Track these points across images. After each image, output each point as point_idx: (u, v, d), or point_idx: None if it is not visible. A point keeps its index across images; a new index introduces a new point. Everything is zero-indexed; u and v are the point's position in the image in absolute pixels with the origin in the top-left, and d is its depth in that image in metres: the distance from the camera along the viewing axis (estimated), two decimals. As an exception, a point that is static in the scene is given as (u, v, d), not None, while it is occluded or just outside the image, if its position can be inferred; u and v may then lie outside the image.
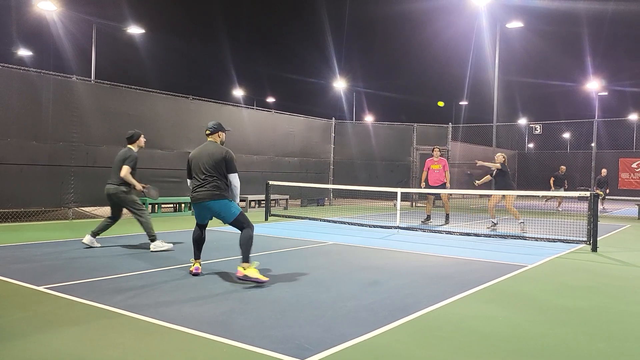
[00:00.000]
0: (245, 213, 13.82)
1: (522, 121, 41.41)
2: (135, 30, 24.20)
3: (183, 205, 13.33)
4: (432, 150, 12.50)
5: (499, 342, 3.84)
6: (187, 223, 10.94)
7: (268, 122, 16.77)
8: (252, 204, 15.08)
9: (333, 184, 18.35)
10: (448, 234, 10.14)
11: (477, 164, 11.65)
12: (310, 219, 12.40)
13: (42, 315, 4.22)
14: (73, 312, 4.33)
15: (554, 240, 9.16)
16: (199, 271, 5.82)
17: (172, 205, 13.56)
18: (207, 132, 5.86)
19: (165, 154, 13.21)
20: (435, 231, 10.41)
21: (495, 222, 11.34)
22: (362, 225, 11.15)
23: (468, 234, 10.05)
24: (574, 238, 9.11)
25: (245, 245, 5.46)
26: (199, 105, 14.24)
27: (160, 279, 5.59)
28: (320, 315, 4.35)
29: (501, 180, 11.33)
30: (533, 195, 17.38)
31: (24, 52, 31.94)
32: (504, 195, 11.03)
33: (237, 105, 16.80)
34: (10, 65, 10.84)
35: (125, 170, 7.28)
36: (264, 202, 13.38)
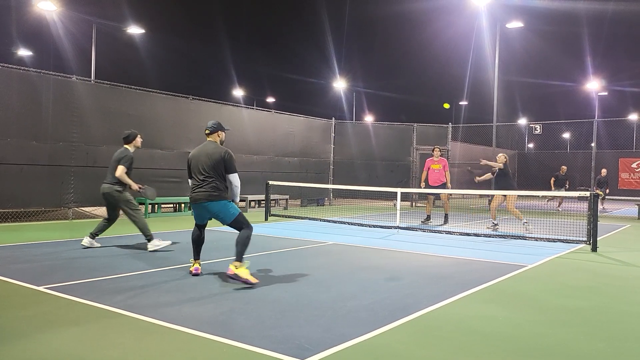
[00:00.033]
0: (245, 213, 13.86)
1: (522, 121, 41.40)
2: (135, 30, 24.19)
3: (183, 205, 13.33)
4: (433, 150, 12.50)
5: (499, 342, 3.84)
6: (187, 223, 10.94)
7: (268, 122, 16.77)
8: (252, 204, 15.08)
9: (333, 184, 18.35)
10: (448, 234, 10.14)
11: (482, 163, 11.63)
12: (310, 219, 12.40)
13: (42, 315, 4.22)
14: (73, 312, 4.33)
15: (554, 240, 9.16)
16: (199, 271, 5.82)
17: (172, 205, 13.56)
18: (207, 131, 5.82)
19: (165, 154, 13.21)
20: (435, 231, 10.41)
21: (496, 222, 11.34)
22: (362, 225, 11.15)
23: (468, 234, 10.05)
24: (574, 238, 9.11)
25: (242, 245, 5.42)
26: (199, 105, 14.24)
27: (160, 279, 5.59)
28: (320, 315, 4.35)
29: (502, 180, 11.32)
30: (533, 195, 17.38)
31: (24, 52, 31.93)
32: (505, 196, 11.02)
33: (237, 105, 16.80)
34: (10, 65, 10.84)
35: (120, 170, 7.28)
36: (263, 202, 13.38)
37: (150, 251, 7.29)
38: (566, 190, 17.68)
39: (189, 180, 5.82)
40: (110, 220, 7.61)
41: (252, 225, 5.64)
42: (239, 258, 5.36)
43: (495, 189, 11.88)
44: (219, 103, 15.28)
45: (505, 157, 11.41)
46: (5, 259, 6.49)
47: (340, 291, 5.23)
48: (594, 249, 8.36)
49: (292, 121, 17.73)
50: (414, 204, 19.13)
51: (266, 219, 12.22)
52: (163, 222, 11.33)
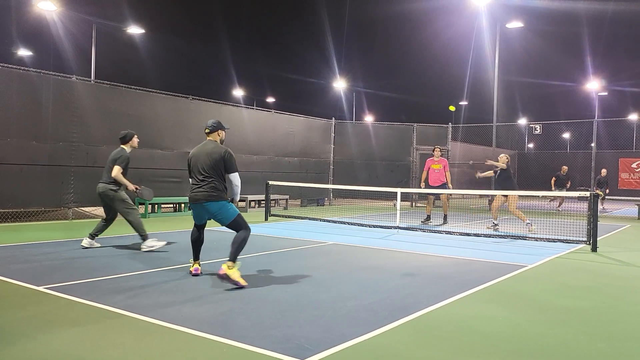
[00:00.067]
0: (245, 213, 13.86)
1: (522, 121, 41.40)
2: (135, 30, 24.19)
3: (183, 205, 13.33)
4: (433, 150, 12.49)
5: (499, 342, 3.84)
6: (186, 223, 10.94)
7: (268, 122, 16.77)
8: (252, 204, 15.08)
9: (333, 184, 18.35)
10: (448, 234, 10.14)
11: (487, 163, 11.59)
12: (310, 219, 12.40)
13: (42, 315, 4.22)
14: (73, 312, 4.33)
15: (554, 240, 9.16)
16: (199, 272, 5.81)
17: (171, 205, 13.56)
18: (207, 130, 5.77)
19: (165, 154, 13.22)
20: (435, 231, 10.41)
21: (497, 222, 11.33)
22: (362, 225, 11.15)
23: (468, 234, 10.05)
24: (574, 238, 9.11)
25: (237, 245, 5.37)
26: (199, 105, 14.25)
27: (160, 279, 5.59)
28: (320, 315, 4.35)
29: (504, 180, 11.30)
30: (533, 196, 17.38)
31: (24, 52, 31.92)
32: (506, 196, 11.01)
33: (237, 105, 16.81)
34: (10, 65, 10.85)
35: (116, 170, 7.28)
36: (263, 202, 13.38)
37: (144, 251, 7.27)
38: (567, 190, 17.69)
39: (190, 179, 5.79)
40: (109, 220, 7.61)
41: (250, 227, 5.60)
42: (233, 258, 5.30)
43: (497, 189, 11.85)
44: (219, 103, 15.28)
45: (507, 158, 11.40)
46: (5, 259, 6.49)
47: (340, 291, 5.23)
48: (594, 249, 8.36)
49: (292, 121, 17.73)
50: (414, 204, 19.13)
51: (266, 219, 12.22)
52: (163, 222, 11.33)
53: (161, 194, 12.92)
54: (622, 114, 44.61)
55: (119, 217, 7.68)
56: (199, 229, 5.86)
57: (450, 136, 19.75)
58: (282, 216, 12.96)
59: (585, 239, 8.79)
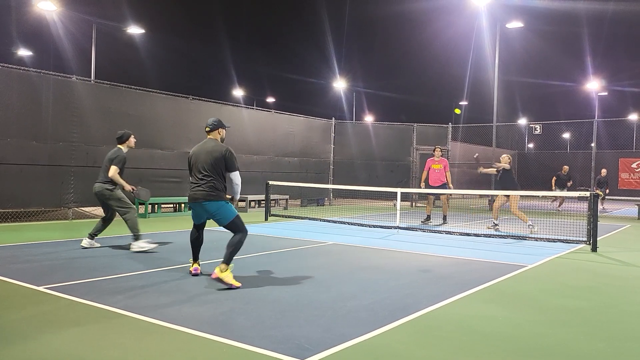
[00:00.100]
0: (245, 213, 13.86)
1: (522, 121, 41.41)
2: (135, 30, 24.18)
3: (183, 205, 13.33)
4: (434, 150, 12.48)
5: (499, 342, 3.84)
6: (186, 223, 10.92)
7: (268, 122, 16.78)
8: (252, 204, 15.08)
9: (333, 184, 18.35)
10: (448, 234, 10.14)
11: (494, 165, 11.52)
12: (310, 219, 12.40)
13: (42, 315, 4.22)
14: (73, 312, 4.33)
15: (554, 240, 9.16)
16: (198, 272, 5.81)
17: (171, 205, 13.56)
18: (207, 129, 5.73)
19: (165, 154, 13.22)
20: (435, 231, 10.41)
21: (497, 223, 11.33)
22: (362, 225, 11.15)
23: (468, 234, 10.05)
24: (574, 238, 9.11)
25: (233, 248, 5.33)
26: (199, 105, 14.25)
27: (160, 279, 5.58)
28: (320, 315, 4.35)
29: (505, 181, 11.27)
30: (533, 196, 17.38)
31: (24, 52, 31.92)
32: (508, 197, 11.00)
33: (237, 105, 16.81)
34: (10, 65, 10.85)
35: (113, 171, 7.28)
36: (263, 202, 13.38)
37: (133, 251, 7.24)
38: (568, 189, 17.70)
39: (190, 178, 5.74)
40: (108, 219, 7.61)
41: (247, 229, 5.54)
42: (227, 261, 5.26)
43: (498, 189, 11.82)
44: (219, 103, 15.29)
45: (509, 158, 11.39)
46: (5, 259, 6.49)
47: (340, 291, 5.23)
48: (594, 249, 8.36)
49: (292, 121, 17.73)
50: (413, 204, 19.13)
51: (266, 219, 12.22)
52: (163, 222, 11.33)
53: (161, 194, 12.92)
54: (622, 114, 44.63)
55: (118, 217, 7.68)
56: (198, 229, 5.84)
57: (450, 136, 19.75)
58: (282, 216, 12.96)
59: (585, 239, 8.79)
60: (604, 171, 18.28)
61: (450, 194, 15.65)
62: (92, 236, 7.52)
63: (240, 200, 14.68)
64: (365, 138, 19.73)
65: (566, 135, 40.87)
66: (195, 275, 5.77)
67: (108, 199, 7.38)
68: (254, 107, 18.37)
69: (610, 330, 4.20)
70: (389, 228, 10.72)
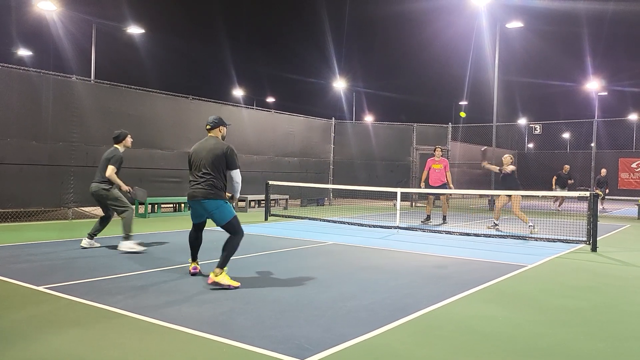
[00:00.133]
0: (245, 213, 13.86)
1: (522, 121, 41.39)
2: (135, 30, 24.19)
3: (183, 205, 13.33)
4: (434, 150, 12.47)
5: (499, 342, 3.84)
6: (186, 223, 10.91)
7: (268, 122, 16.77)
8: (252, 204, 15.08)
9: (333, 184, 18.35)
10: (448, 234, 10.14)
11: (504, 170, 11.41)
12: (310, 219, 12.40)
13: (42, 315, 4.22)
14: (73, 312, 4.33)
15: (553, 240, 9.16)
16: (197, 270, 5.80)
17: (171, 205, 13.56)
18: (208, 127, 5.69)
19: (165, 154, 13.22)
20: (435, 231, 10.41)
21: (497, 223, 11.32)
22: (362, 225, 11.15)
23: (468, 234, 10.05)
24: (574, 238, 9.11)
25: (229, 251, 5.29)
26: (199, 105, 14.25)
27: (160, 279, 5.58)
28: (320, 315, 4.35)
29: (508, 181, 11.24)
30: (533, 196, 17.39)
31: (24, 52, 31.93)
32: (509, 197, 10.99)
33: (237, 105, 16.81)
34: (10, 65, 10.84)
35: (110, 170, 7.26)
36: (263, 202, 13.38)
37: (120, 250, 7.21)
38: (569, 187, 17.71)
39: (189, 176, 5.68)
40: (106, 218, 7.60)
41: (243, 231, 5.48)
42: (222, 265, 5.23)
43: (501, 189, 11.77)
44: (219, 103, 15.29)
45: (511, 158, 11.37)
46: (5, 259, 6.49)
47: (340, 291, 5.23)
48: (594, 249, 8.36)
49: (292, 121, 17.73)
50: (413, 204, 19.13)
51: (266, 219, 12.22)
52: (163, 222, 11.33)
53: (161, 194, 12.92)
54: (622, 114, 44.63)
55: (117, 217, 7.68)
56: (196, 230, 5.80)
57: (450, 136, 19.75)
58: (282, 216, 12.96)
59: (585, 239, 8.79)
60: (603, 171, 18.29)
61: (450, 194, 15.65)
62: (91, 236, 7.52)
63: (240, 200, 14.69)
64: (365, 138, 19.73)
65: (566, 135, 40.87)
66: (194, 274, 5.77)
67: (105, 198, 7.37)
68: (254, 107, 18.37)
69: (610, 330, 4.20)
70: (389, 228, 10.72)
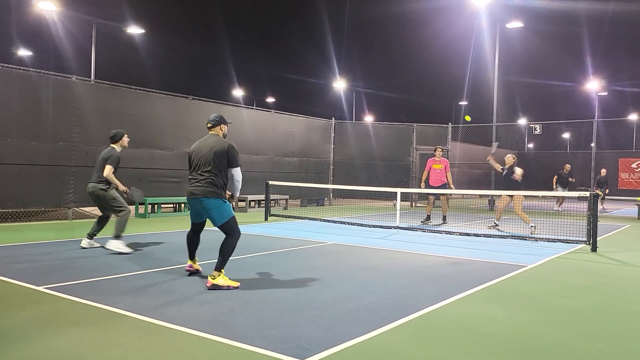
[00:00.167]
0: (245, 213, 13.85)
1: (522, 121, 41.42)
2: (135, 30, 24.20)
3: (183, 205, 13.33)
4: (435, 150, 12.47)
5: (499, 342, 3.84)
6: (186, 223, 10.89)
7: (268, 122, 16.78)
8: (252, 204, 15.08)
9: (333, 184, 18.35)
10: (448, 234, 10.14)
11: (516, 177, 11.36)
12: (310, 219, 12.40)
13: (42, 315, 4.22)
14: (73, 312, 4.33)
15: (553, 241, 9.16)
16: (192, 268, 5.78)
17: (171, 205, 13.56)
18: (209, 125, 5.64)
19: (165, 154, 13.22)
20: (434, 231, 10.41)
21: (498, 223, 11.31)
22: (361, 225, 11.15)
23: (468, 234, 10.05)
24: (574, 238, 9.11)
25: (226, 254, 5.25)
26: (199, 105, 14.25)
27: (159, 279, 5.58)
28: (320, 315, 4.36)
29: (511, 181, 11.23)
30: (533, 196, 17.39)
31: (24, 52, 31.94)
32: (512, 197, 10.98)
33: (237, 105, 16.81)
34: (10, 65, 10.84)
35: (108, 170, 7.25)
36: (263, 202, 13.38)
37: (105, 248, 7.19)
38: (570, 185, 17.72)
39: (189, 174, 5.60)
40: (105, 218, 7.59)
41: (240, 232, 5.42)
42: (220, 267, 5.20)
43: (502, 189, 11.75)
44: (219, 103, 15.29)
45: (514, 158, 11.37)
46: (5, 259, 6.49)
47: (340, 291, 5.23)
48: (594, 249, 8.36)
49: (292, 121, 17.73)
50: (413, 204, 19.14)
51: (266, 219, 12.22)
52: (163, 222, 11.33)
53: (161, 194, 12.92)
54: (622, 114, 44.64)
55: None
56: (195, 231, 5.72)
57: (450, 136, 19.75)
58: (282, 216, 12.96)
59: (585, 239, 8.79)
60: (603, 171, 18.29)
61: (450, 194, 15.65)
62: (90, 236, 7.52)
63: (240, 200, 14.69)
64: (365, 138, 19.73)
65: (566, 135, 40.88)
66: (190, 271, 5.76)
67: (102, 198, 7.34)
68: (254, 107, 18.37)
69: (610, 330, 4.21)
70: (388, 228, 10.72)
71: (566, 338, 3.99)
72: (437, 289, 5.43)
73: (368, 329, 3.99)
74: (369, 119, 52.02)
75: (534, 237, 9.58)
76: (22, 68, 11.13)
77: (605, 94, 43.53)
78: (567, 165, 18.77)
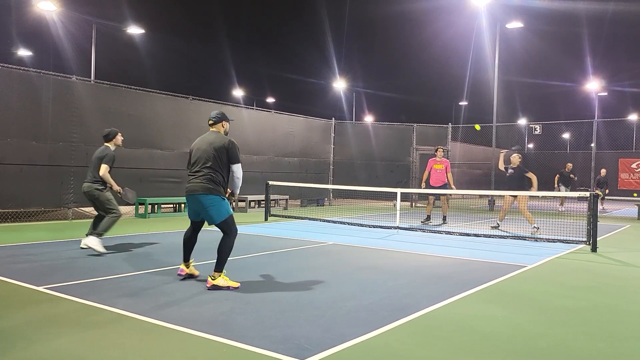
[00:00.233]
0: (245, 213, 13.85)
1: (522, 121, 41.42)
2: (135, 30, 24.19)
3: (183, 205, 13.32)
4: (436, 150, 12.47)
5: (499, 342, 3.85)
6: (187, 223, 10.91)
7: (268, 122, 16.78)
8: (252, 204, 15.08)
9: (333, 184, 18.35)
10: (448, 234, 10.14)
11: (535, 184, 11.30)
12: (310, 219, 12.40)
13: (42, 315, 4.22)
14: (73, 312, 4.33)
15: (553, 241, 9.16)
16: (184, 273, 5.56)
17: (171, 205, 13.56)
18: (210, 122, 5.60)
19: (165, 154, 13.22)
20: (434, 231, 10.41)
21: (500, 223, 11.31)
22: (361, 225, 11.15)
23: (467, 234, 10.05)
24: (574, 238, 9.11)
25: (224, 254, 5.20)
26: (199, 105, 14.25)
27: (160, 279, 5.58)
28: (320, 315, 4.36)
29: (517, 180, 11.21)
30: (533, 196, 17.40)
31: (24, 52, 31.93)
32: (515, 197, 10.97)
33: (237, 106, 16.82)
34: (10, 65, 10.85)
35: (104, 169, 7.22)
36: (263, 202, 13.38)
37: (81, 246, 7.16)
38: (572, 183, 17.72)
39: (188, 172, 5.51)
40: (101, 218, 7.58)
41: (237, 231, 5.37)
42: (219, 268, 5.16)
43: (505, 189, 11.73)
44: (219, 103, 15.31)
45: (519, 158, 11.38)
46: (5, 259, 6.49)
47: (340, 291, 5.23)
48: (594, 249, 8.36)
49: (292, 121, 17.73)
50: (413, 204, 19.14)
51: (266, 219, 12.22)
52: (163, 222, 11.33)
53: (161, 194, 12.92)
54: (622, 114, 44.62)
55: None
56: (193, 229, 5.61)
57: (450, 136, 19.75)
58: (282, 216, 12.96)
59: (585, 239, 8.80)
60: (603, 171, 18.29)
61: (450, 194, 15.65)
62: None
63: (240, 200, 14.69)
64: (365, 138, 19.74)
65: (566, 136, 40.87)
66: (180, 275, 5.56)
67: (97, 198, 7.29)
68: (254, 107, 18.37)
69: (610, 330, 4.21)
70: (388, 228, 10.72)
71: (566, 338, 3.99)
72: (437, 289, 5.43)
73: (368, 329, 3.99)
74: (369, 119, 52.03)
75: (534, 238, 9.58)
76: (22, 68, 11.13)
77: (605, 94, 43.55)
78: (569, 164, 18.77)
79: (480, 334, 4.01)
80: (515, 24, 20.01)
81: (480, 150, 25.44)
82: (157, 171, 12.97)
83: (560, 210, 17.47)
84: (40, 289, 5.04)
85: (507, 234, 10.23)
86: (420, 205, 18.25)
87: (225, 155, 5.33)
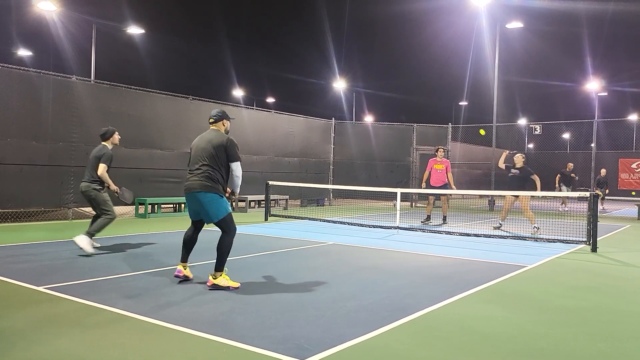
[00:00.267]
0: (245, 213, 13.85)
1: (522, 121, 41.40)
2: (135, 30, 24.19)
3: (183, 205, 13.32)
4: (436, 150, 12.46)
5: (499, 342, 3.84)
6: (187, 223, 10.91)
7: (268, 122, 16.78)
8: (252, 204, 15.08)
9: (333, 184, 18.35)
10: (448, 234, 10.14)
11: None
12: (310, 219, 12.40)
13: (42, 315, 4.22)
14: (73, 312, 4.33)
15: (553, 241, 9.16)
16: (182, 274, 5.47)
17: (172, 205, 13.56)
18: (211, 120, 5.58)
19: (165, 154, 13.22)
20: (434, 231, 10.41)
21: (502, 224, 11.30)
22: (361, 225, 11.15)
23: (468, 234, 10.05)
24: (574, 238, 9.11)
25: (223, 253, 5.18)
26: (199, 105, 14.25)
27: (160, 279, 5.58)
28: (320, 315, 4.36)
29: (518, 180, 11.21)
30: (533, 196, 17.40)
31: (24, 52, 31.92)
32: (517, 196, 10.97)
33: (237, 106, 16.83)
34: (10, 65, 10.84)
35: (102, 169, 7.19)
36: (263, 202, 13.38)
37: (72, 240, 7.11)
38: (573, 183, 17.72)
39: (188, 170, 5.48)
40: (99, 217, 7.57)
41: (236, 230, 5.35)
42: (219, 267, 5.15)
43: (507, 189, 11.74)
44: (219, 103, 15.31)
45: (523, 157, 11.39)
46: (5, 259, 6.49)
47: (340, 291, 5.23)
48: (594, 249, 8.36)
49: (292, 121, 17.73)
50: (413, 204, 19.14)
51: (266, 219, 12.22)
52: (163, 222, 11.33)
53: (161, 194, 12.92)
54: (622, 114, 44.63)
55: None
56: (195, 229, 5.56)
57: (450, 136, 19.75)
58: (282, 216, 12.96)
59: (585, 239, 8.80)
60: (603, 171, 18.29)
61: (450, 194, 15.64)
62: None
63: (240, 200, 14.69)
64: (365, 138, 19.74)
65: (566, 136, 40.85)
66: (177, 277, 5.47)
67: (94, 199, 7.26)
68: (254, 107, 18.38)
69: (610, 330, 4.21)
70: (388, 228, 10.72)
71: (566, 338, 3.99)
72: (437, 289, 5.43)
73: (368, 329, 3.99)
74: (369, 119, 52.02)
75: (534, 238, 9.58)
76: (22, 68, 11.13)
77: (605, 94, 43.54)
78: (570, 164, 18.76)
79: (480, 334, 4.01)
80: (515, 24, 20.01)
81: (480, 151, 25.45)
82: (157, 171, 12.97)
83: (562, 210, 17.48)
84: (40, 289, 5.04)
85: (507, 234, 10.23)
86: (421, 205, 18.25)
87: (224, 153, 5.30)
